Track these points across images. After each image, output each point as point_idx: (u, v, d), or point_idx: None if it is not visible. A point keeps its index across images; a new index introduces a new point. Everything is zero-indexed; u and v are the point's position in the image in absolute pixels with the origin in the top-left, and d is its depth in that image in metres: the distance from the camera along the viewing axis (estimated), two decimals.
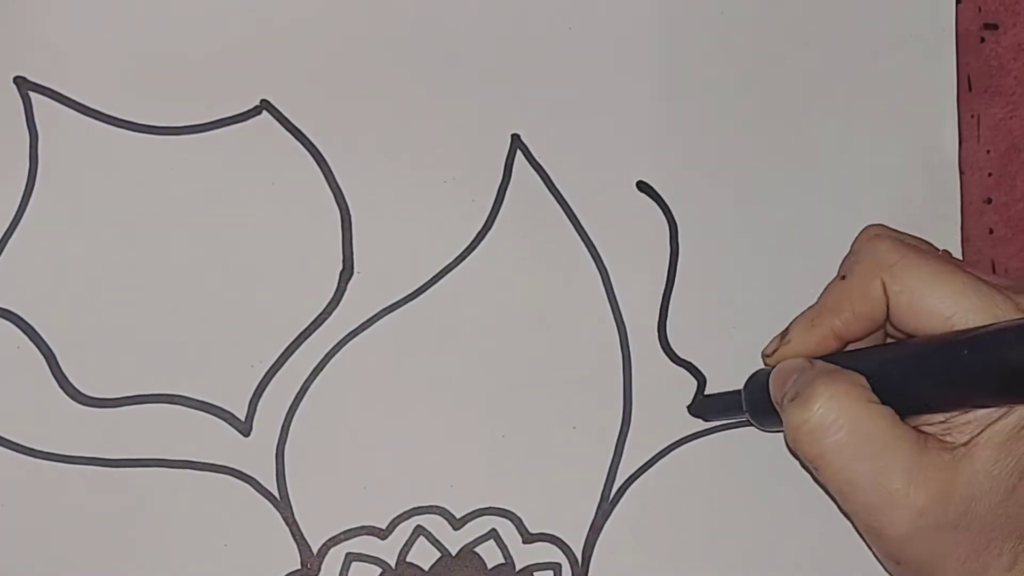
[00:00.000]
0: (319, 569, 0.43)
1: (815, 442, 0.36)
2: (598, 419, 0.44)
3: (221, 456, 0.43)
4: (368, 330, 0.44)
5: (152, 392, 0.43)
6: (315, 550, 0.43)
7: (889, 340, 0.40)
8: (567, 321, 0.45)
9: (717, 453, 0.44)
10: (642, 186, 0.46)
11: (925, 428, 0.37)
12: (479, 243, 0.45)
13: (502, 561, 0.43)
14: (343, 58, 0.45)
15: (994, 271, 0.47)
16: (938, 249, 0.41)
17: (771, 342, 0.41)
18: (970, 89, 0.48)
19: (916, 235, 0.41)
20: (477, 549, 0.43)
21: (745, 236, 0.46)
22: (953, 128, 0.47)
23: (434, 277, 0.44)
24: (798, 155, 0.46)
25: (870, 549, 0.39)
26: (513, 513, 0.43)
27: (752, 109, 0.46)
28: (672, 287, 0.45)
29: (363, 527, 0.43)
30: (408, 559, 0.43)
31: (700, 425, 0.44)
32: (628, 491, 0.44)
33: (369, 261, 0.44)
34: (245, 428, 0.43)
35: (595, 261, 0.45)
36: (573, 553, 0.43)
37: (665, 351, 0.45)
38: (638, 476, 0.44)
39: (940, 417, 0.36)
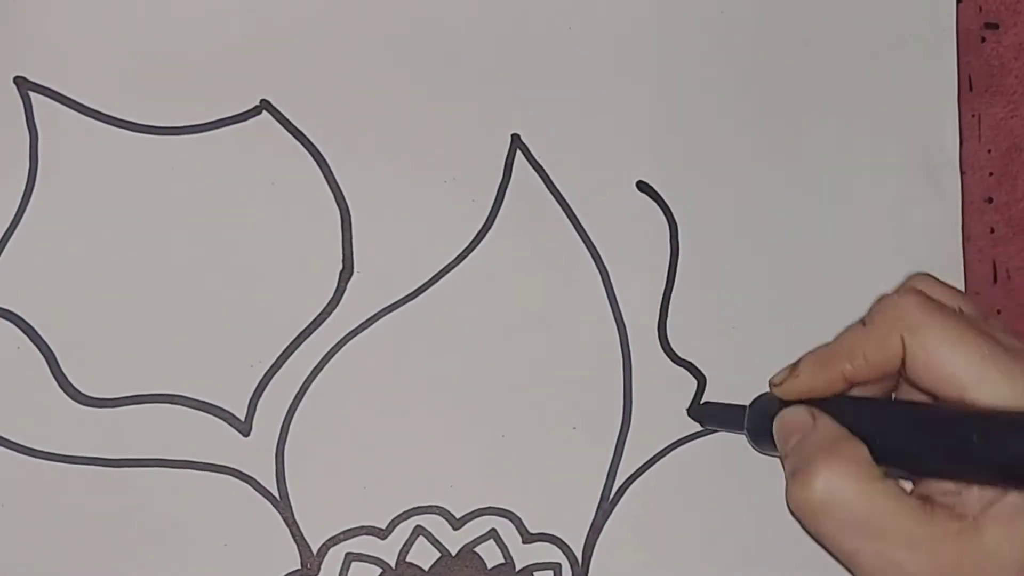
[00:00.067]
0: (319, 569, 0.43)
1: (816, 521, 0.36)
2: (598, 419, 0.44)
3: (221, 456, 0.43)
4: (368, 330, 0.44)
5: (152, 392, 0.43)
6: (315, 550, 0.43)
7: (902, 384, 0.40)
8: (567, 321, 0.45)
9: (717, 453, 0.44)
10: (642, 186, 0.46)
11: (935, 493, 0.36)
12: (479, 243, 0.45)
13: (502, 561, 0.43)
14: (343, 58, 0.45)
15: (995, 271, 0.47)
16: (960, 300, 0.39)
17: (781, 372, 0.40)
18: (971, 89, 0.48)
19: (952, 286, 0.40)
20: (477, 549, 0.43)
21: (745, 236, 0.46)
22: (954, 128, 0.47)
23: (434, 277, 0.44)
24: (798, 155, 0.46)
25: None
26: (513, 513, 0.43)
27: (752, 109, 0.46)
28: (672, 287, 0.45)
29: (363, 527, 0.43)
30: (408, 559, 0.43)
31: (700, 425, 0.44)
32: (628, 491, 0.44)
33: (369, 261, 0.44)
34: (245, 428, 0.43)
35: (595, 261, 0.45)
36: (573, 553, 0.43)
37: (665, 351, 0.45)
38: (638, 476, 0.44)
39: (951, 484, 0.36)
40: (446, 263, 0.44)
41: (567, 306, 0.45)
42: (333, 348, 0.44)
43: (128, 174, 0.44)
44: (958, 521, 0.35)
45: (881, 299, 0.38)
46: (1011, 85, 0.48)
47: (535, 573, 0.43)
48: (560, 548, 0.43)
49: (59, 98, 0.44)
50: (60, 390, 0.42)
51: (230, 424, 0.43)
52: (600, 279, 0.45)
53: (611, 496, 0.44)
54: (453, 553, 0.43)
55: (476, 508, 0.43)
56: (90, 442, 0.42)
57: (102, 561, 0.42)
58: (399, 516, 0.43)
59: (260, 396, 0.43)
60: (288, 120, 0.45)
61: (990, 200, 0.47)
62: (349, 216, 0.44)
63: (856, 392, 0.39)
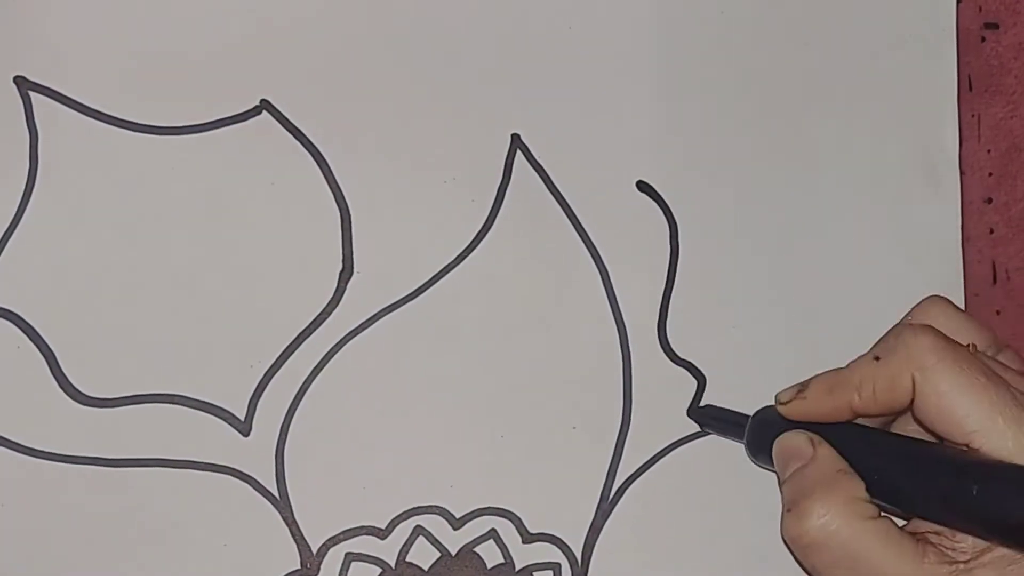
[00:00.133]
0: (319, 569, 0.43)
1: (809, 556, 0.36)
2: (598, 419, 0.44)
3: (221, 456, 0.43)
4: (368, 330, 0.44)
5: (152, 392, 0.43)
6: (315, 550, 0.43)
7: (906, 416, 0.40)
8: (567, 321, 0.45)
9: (717, 453, 0.44)
10: (642, 186, 0.46)
11: (928, 532, 0.36)
12: (479, 243, 0.45)
13: (502, 561, 0.43)
14: (343, 58, 0.45)
15: (994, 271, 0.47)
16: (975, 332, 0.39)
17: (788, 390, 0.40)
18: (971, 89, 0.48)
19: (967, 313, 0.40)
20: (477, 549, 0.43)
21: (745, 236, 0.46)
22: (953, 128, 0.47)
23: (434, 277, 0.44)
24: (798, 155, 0.46)
25: None
26: (513, 513, 0.43)
27: (752, 109, 0.46)
28: (672, 287, 0.45)
29: (363, 527, 0.43)
30: (408, 559, 0.43)
31: (699, 427, 0.44)
32: (628, 491, 0.44)
33: (369, 261, 0.44)
34: (245, 428, 0.43)
35: (595, 261, 0.45)
36: (573, 553, 0.43)
37: (665, 351, 0.45)
38: (638, 476, 0.44)
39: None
40: (446, 263, 0.44)
41: (567, 306, 0.45)
42: (333, 348, 0.44)
43: (128, 174, 0.44)
44: (949, 566, 0.35)
45: (895, 332, 0.38)
46: (1011, 85, 0.48)
47: (535, 573, 0.43)
48: (560, 548, 0.43)
49: (59, 98, 0.44)
50: (60, 390, 0.42)
51: (230, 424, 0.43)
52: (600, 279, 0.45)
53: (611, 496, 0.44)
54: (453, 553, 0.43)
55: (476, 508, 0.43)
56: (90, 442, 0.42)
57: (102, 561, 0.42)
58: (399, 516, 0.43)
59: (260, 396, 0.43)
60: (288, 120, 0.44)
61: (990, 200, 0.47)
62: (349, 216, 0.44)
63: (861, 421, 0.38)
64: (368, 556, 0.43)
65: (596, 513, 0.44)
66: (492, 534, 0.43)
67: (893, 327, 0.38)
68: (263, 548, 0.42)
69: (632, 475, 0.44)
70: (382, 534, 0.43)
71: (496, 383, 0.44)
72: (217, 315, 0.43)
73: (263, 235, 0.44)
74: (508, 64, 0.46)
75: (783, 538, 0.37)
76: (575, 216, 0.45)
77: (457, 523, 0.43)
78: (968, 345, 0.37)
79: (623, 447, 0.44)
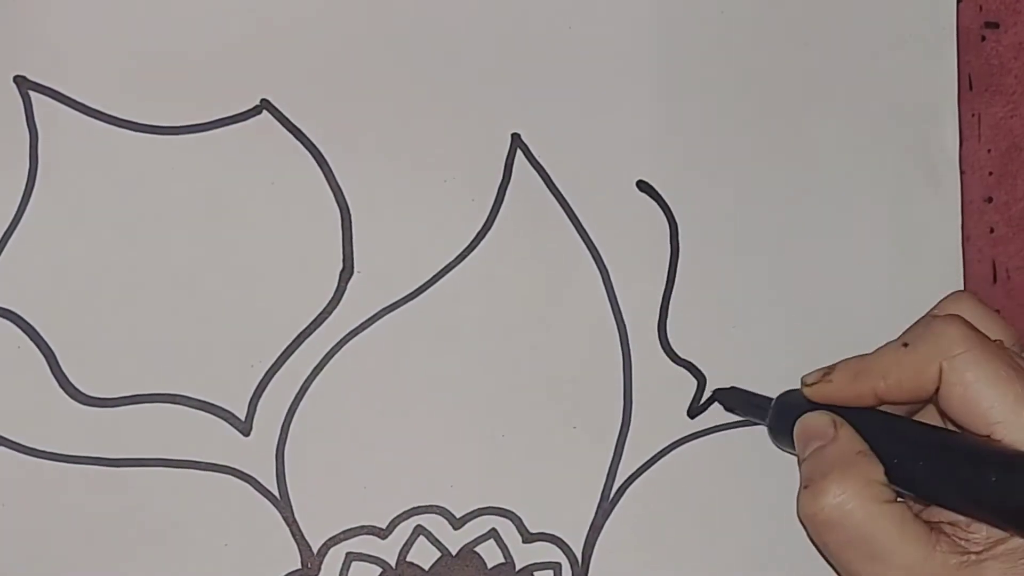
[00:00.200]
0: (319, 569, 0.43)
1: (822, 534, 0.37)
2: (598, 419, 0.44)
3: (221, 456, 0.43)
4: (368, 330, 0.44)
5: (152, 392, 0.43)
6: (315, 550, 0.43)
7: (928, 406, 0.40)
8: (567, 321, 0.45)
9: (717, 453, 0.44)
10: (642, 186, 0.46)
11: (943, 520, 0.36)
12: (479, 243, 0.45)
13: (502, 561, 0.43)
14: (343, 58, 0.45)
15: (995, 270, 0.47)
16: (1001, 328, 0.39)
17: (814, 372, 0.40)
18: (971, 88, 0.48)
19: (994, 313, 0.39)
20: (477, 549, 0.43)
21: (745, 236, 0.46)
22: (954, 127, 0.47)
23: (434, 277, 0.44)
24: (798, 155, 0.46)
25: None
26: (513, 513, 0.43)
27: (752, 109, 0.46)
28: (672, 287, 0.45)
29: (363, 527, 0.43)
30: (408, 559, 0.43)
31: (700, 425, 0.44)
32: (628, 491, 0.44)
33: (369, 261, 0.44)
34: (245, 428, 0.43)
35: (595, 261, 0.45)
36: (573, 553, 0.43)
37: (665, 351, 0.45)
38: (638, 476, 0.44)
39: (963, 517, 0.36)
40: (446, 263, 0.44)
41: (567, 306, 0.45)
42: (333, 348, 0.44)
43: (128, 174, 0.44)
44: (961, 556, 0.35)
45: (924, 321, 0.38)
46: (1011, 85, 0.48)
47: (535, 573, 0.43)
48: (560, 548, 0.43)
49: (59, 98, 0.44)
50: (60, 390, 0.42)
51: (230, 424, 0.43)
52: (600, 279, 0.45)
53: (611, 496, 0.44)
54: (453, 553, 0.43)
55: (476, 508, 0.43)
56: (90, 442, 0.42)
57: (102, 561, 0.42)
58: (399, 516, 0.43)
59: (260, 396, 0.43)
60: (288, 120, 0.44)
61: (990, 200, 0.47)
62: (349, 216, 0.44)
63: (884, 408, 0.39)
64: (368, 556, 0.43)
65: (596, 513, 0.44)
66: (492, 534, 0.43)
67: (921, 317, 0.38)
68: (263, 548, 0.42)
69: (632, 475, 0.44)
70: (383, 534, 0.43)
71: (496, 383, 0.44)
72: (217, 315, 0.43)
73: (263, 235, 0.44)
74: (508, 64, 0.46)
75: (798, 515, 0.37)
76: (575, 216, 0.45)
77: (457, 523, 0.43)
78: (996, 340, 0.37)
79: (623, 447, 0.44)
